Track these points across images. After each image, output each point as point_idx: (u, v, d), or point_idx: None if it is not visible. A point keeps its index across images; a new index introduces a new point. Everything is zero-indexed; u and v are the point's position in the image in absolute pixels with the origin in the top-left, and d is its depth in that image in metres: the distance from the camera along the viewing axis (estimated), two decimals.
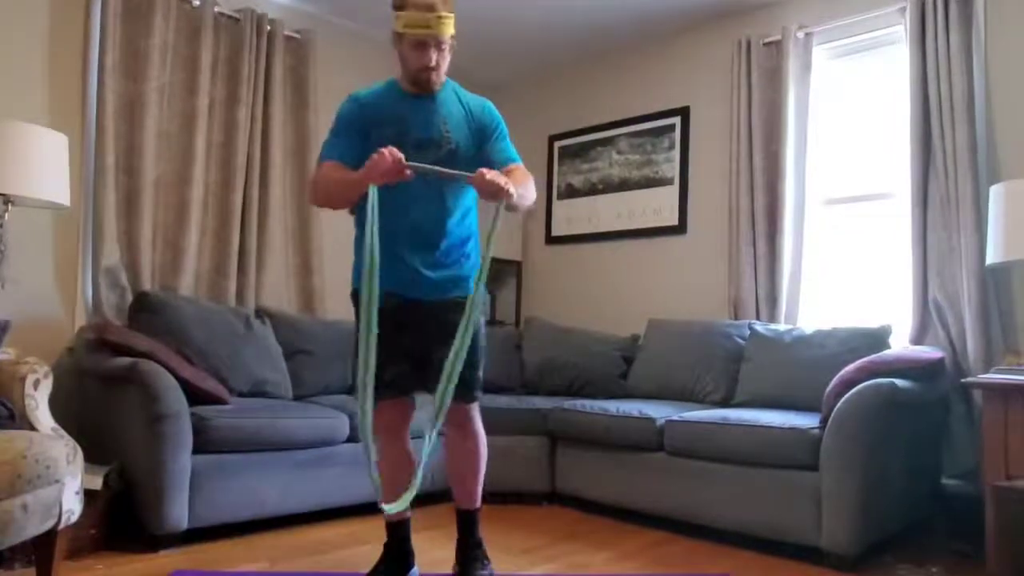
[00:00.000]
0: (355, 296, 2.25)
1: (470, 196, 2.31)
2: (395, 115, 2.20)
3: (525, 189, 2.20)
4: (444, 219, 2.24)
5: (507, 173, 2.18)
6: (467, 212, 2.32)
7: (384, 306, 2.02)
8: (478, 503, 2.41)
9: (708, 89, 4.14)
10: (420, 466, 2.02)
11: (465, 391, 2.24)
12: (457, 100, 2.27)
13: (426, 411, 2.38)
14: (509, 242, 4.77)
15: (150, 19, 3.39)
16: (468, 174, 2.07)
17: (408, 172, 2.01)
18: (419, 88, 2.20)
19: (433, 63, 2.13)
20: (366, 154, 2.08)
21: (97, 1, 3.28)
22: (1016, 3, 3.15)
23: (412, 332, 2.22)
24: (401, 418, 2.33)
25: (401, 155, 2.00)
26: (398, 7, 2.12)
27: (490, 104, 2.33)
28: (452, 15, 2.11)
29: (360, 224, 2.24)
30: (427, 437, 2.00)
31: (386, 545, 2.34)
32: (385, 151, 1.99)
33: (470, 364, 2.18)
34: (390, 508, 2.03)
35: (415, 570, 2.36)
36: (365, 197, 2.04)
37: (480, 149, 2.26)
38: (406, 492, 2.04)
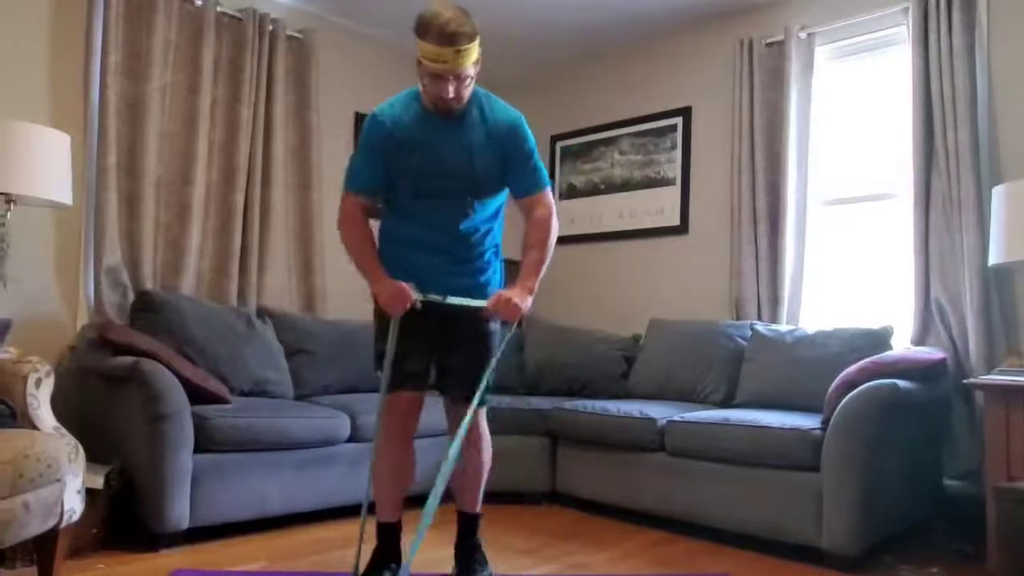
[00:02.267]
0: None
1: (495, 206, 2.30)
2: (419, 141, 2.15)
3: (543, 255, 2.22)
4: (467, 232, 2.23)
5: (528, 208, 2.24)
6: (491, 226, 2.32)
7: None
8: (479, 507, 2.40)
9: (710, 89, 4.14)
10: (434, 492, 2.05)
11: (469, 389, 2.23)
12: (483, 120, 2.18)
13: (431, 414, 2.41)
14: (511, 242, 4.77)
15: (152, 19, 3.39)
16: (482, 303, 2.16)
17: (417, 306, 2.13)
18: (440, 111, 2.14)
19: (451, 95, 2.05)
20: (391, 175, 2.17)
21: (99, 1, 3.29)
22: (1018, 4, 3.14)
23: (434, 326, 2.23)
24: (414, 413, 2.29)
25: (412, 296, 2.11)
26: (419, 34, 2.01)
27: (520, 120, 2.23)
28: (474, 43, 2.02)
29: (383, 228, 2.30)
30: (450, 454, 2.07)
31: (376, 550, 2.28)
32: (396, 302, 2.10)
33: (482, 367, 2.22)
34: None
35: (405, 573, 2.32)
36: (391, 192, 2.21)
37: (504, 173, 2.22)
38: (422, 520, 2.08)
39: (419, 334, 2.19)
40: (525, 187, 2.24)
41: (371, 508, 2.28)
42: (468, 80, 2.07)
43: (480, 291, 2.26)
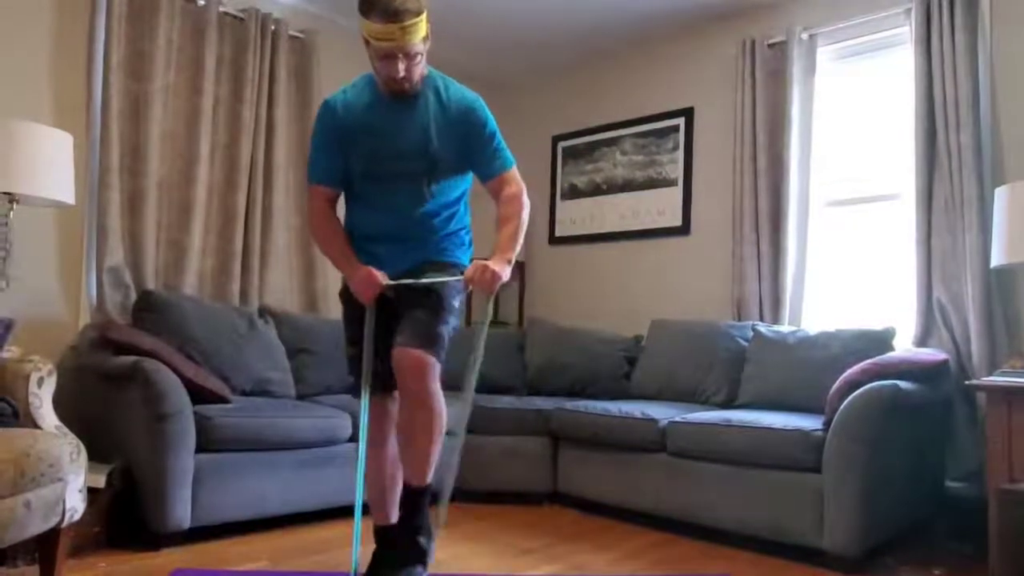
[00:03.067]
0: (343, 295, 2.29)
1: (459, 191, 2.24)
2: (372, 125, 2.11)
3: (517, 228, 2.14)
4: (426, 220, 2.19)
5: (497, 189, 2.18)
6: (454, 210, 2.25)
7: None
8: (427, 478, 2.12)
9: (712, 90, 4.14)
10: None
11: (416, 336, 2.03)
12: (439, 102, 2.13)
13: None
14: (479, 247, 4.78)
15: (154, 19, 3.39)
16: (459, 278, 2.11)
17: (389, 292, 2.09)
18: (394, 94, 2.09)
19: (401, 74, 1.99)
20: (351, 163, 2.14)
21: (102, 1, 3.29)
22: (1021, 4, 3.14)
23: (387, 313, 2.17)
24: (390, 414, 2.25)
25: (381, 281, 2.08)
26: (363, 12, 1.95)
27: (477, 103, 2.16)
28: (420, 18, 1.94)
29: (346, 222, 2.27)
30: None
31: (375, 553, 2.28)
32: (365, 288, 2.09)
33: (430, 311, 2.07)
34: None
35: None
36: (349, 180, 2.19)
37: (466, 156, 2.17)
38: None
39: (385, 333, 2.15)
40: (490, 169, 2.18)
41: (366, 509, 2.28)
42: (418, 58, 2.01)
43: (427, 254, 2.19)
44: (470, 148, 2.16)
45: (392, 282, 2.11)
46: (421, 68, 2.06)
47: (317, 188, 2.20)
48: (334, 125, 2.13)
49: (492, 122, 2.18)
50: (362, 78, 2.18)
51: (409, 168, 2.12)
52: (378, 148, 2.11)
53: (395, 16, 1.90)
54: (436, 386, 2.07)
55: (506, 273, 2.09)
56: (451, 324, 2.13)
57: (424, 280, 2.11)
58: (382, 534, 2.30)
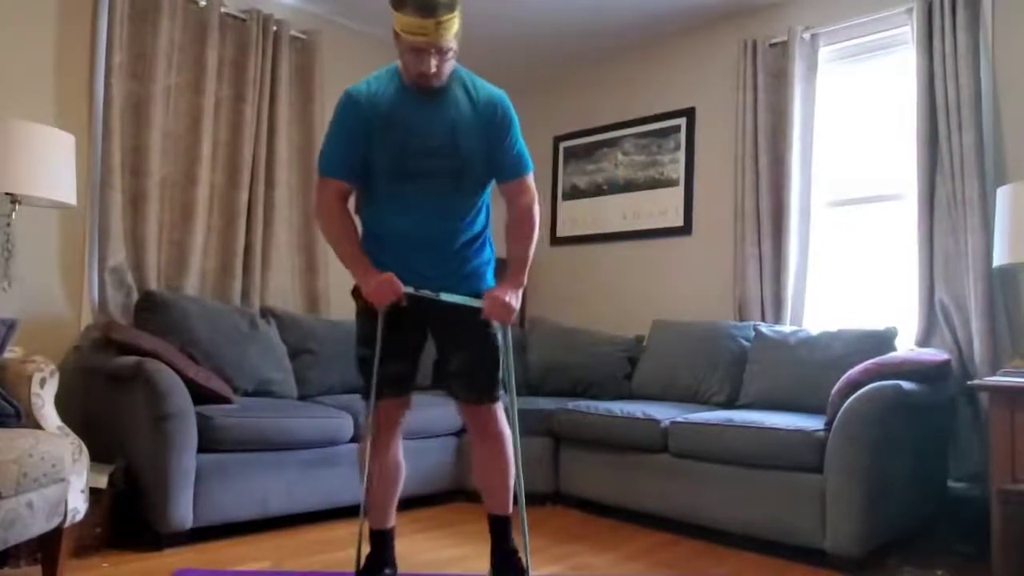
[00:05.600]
0: (357, 292, 2.19)
1: (483, 195, 2.20)
2: (398, 118, 2.03)
3: (529, 248, 2.16)
4: (453, 221, 2.13)
5: (514, 194, 2.16)
6: (479, 211, 2.20)
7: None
8: (509, 508, 2.27)
9: (714, 90, 4.13)
10: None
11: (483, 393, 2.19)
12: (467, 98, 2.08)
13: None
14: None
15: (157, 20, 3.40)
16: (477, 303, 2.08)
17: (404, 302, 2.05)
18: (421, 89, 2.03)
19: (432, 70, 1.95)
20: (369, 155, 2.07)
21: (104, 2, 3.29)
22: (1023, 4, 3.14)
23: (417, 327, 2.17)
24: (395, 418, 2.22)
25: (401, 289, 2.04)
26: (395, 5, 1.92)
27: (505, 100, 2.11)
28: (454, 14, 1.91)
29: (363, 221, 2.22)
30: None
31: (369, 556, 2.25)
32: (385, 294, 2.03)
33: (489, 364, 2.18)
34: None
35: None
36: (370, 178, 2.11)
37: (491, 156, 2.11)
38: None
39: (399, 334, 2.11)
40: (511, 171, 2.14)
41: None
42: (450, 53, 1.97)
43: (466, 281, 2.16)
44: (495, 147, 2.10)
45: (412, 291, 2.06)
46: (451, 64, 2.02)
47: (329, 181, 2.11)
48: (357, 117, 2.04)
49: (517, 122, 2.14)
50: (386, 70, 2.13)
51: (437, 166, 2.06)
52: (404, 142, 2.04)
53: (430, 11, 1.87)
54: (503, 422, 2.23)
55: (519, 301, 2.11)
56: (503, 360, 2.20)
57: (444, 296, 2.07)
58: (380, 538, 2.28)
